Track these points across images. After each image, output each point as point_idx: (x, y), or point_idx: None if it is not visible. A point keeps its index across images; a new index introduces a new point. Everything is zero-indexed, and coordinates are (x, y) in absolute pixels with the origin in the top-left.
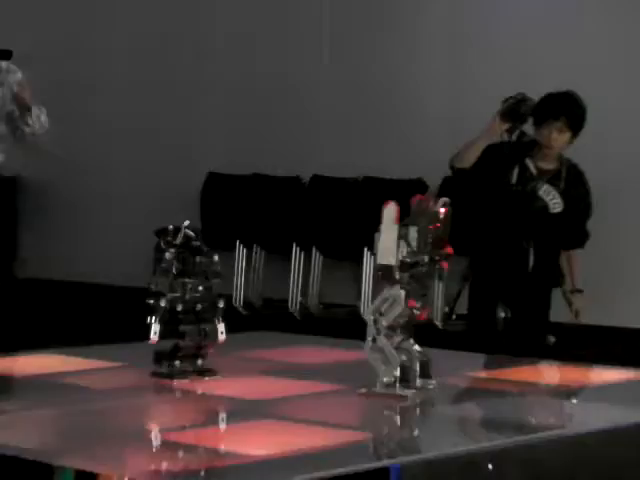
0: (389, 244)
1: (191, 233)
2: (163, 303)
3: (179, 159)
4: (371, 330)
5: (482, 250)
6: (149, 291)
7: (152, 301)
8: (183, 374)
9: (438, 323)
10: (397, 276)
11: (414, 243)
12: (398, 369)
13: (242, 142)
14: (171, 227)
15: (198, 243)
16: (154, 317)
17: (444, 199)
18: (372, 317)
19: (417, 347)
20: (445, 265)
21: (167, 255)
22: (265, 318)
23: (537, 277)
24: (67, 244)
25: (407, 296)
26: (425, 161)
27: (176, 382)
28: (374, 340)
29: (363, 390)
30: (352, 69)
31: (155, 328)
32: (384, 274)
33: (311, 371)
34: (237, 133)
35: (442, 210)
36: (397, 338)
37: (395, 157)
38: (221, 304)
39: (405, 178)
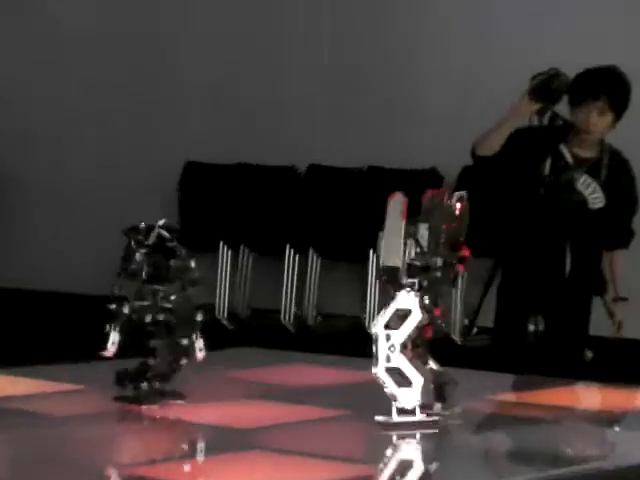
0: (394, 242)
1: (166, 234)
2: (126, 309)
3: (152, 146)
4: (383, 346)
5: (509, 252)
6: (111, 295)
7: (114, 306)
8: (152, 398)
9: (456, 338)
10: (404, 280)
11: (424, 243)
12: (420, 393)
13: (226, 126)
14: (143, 225)
15: (173, 244)
16: (113, 325)
17: (460, 193)
18: (384, 332)
19: (435, 365)
20: (461, 268)
21: (137, 256)
22: (253, 331)
23: (575, 283)
24: (18, 246)
25: (425, 305)
26: (440, 148)
27: (144, 407)
28: (388, 359)
29: (380, 418)
30: (354, 44)
31: (114, 338)
32: (389, 278)
33: (308, 394)
34: (220, 115)
35: (458, 206)
36: (411, 355)
37: (405, 143)
38: (199, 317)
39: (416, 168)
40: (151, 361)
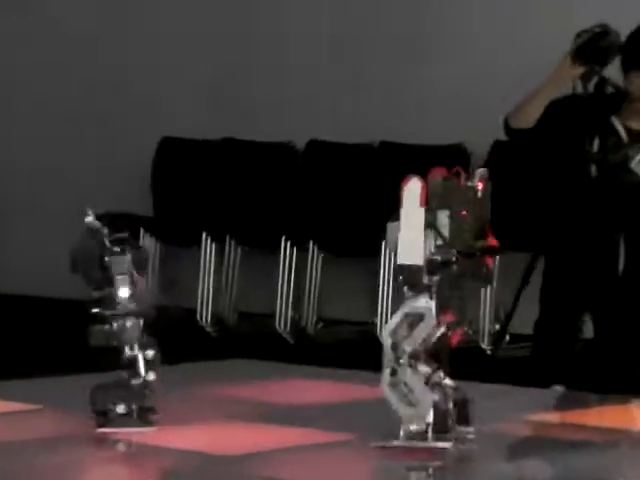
0: (414, 236)
1: (96, 223)
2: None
3: (122, 120)
4: (389, 358)
5: (551, 246)
6: (126, 312)
7: (130, 323)
8: (129, 419)
9: (486, 346)
10: (426, 280)
11: (447, 233)
12: (431, 413)
13: (209, 96)
14: (88, 219)
15: (125, 234)
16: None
17: (480, 170)
18: (390, 340)
19: (449, 381)
20: (490, 262)
21: (126, 259)
22: (242, 340)
23: (630, 282)
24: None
25: (440, 309)
26: (467, 120)
27: (118, 431)
28: (394, 373)
29: (380, 443)
30: (354, 42)
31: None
32: (408, 279)
33: (307, 414)
34: (202, 84)
35: (480, 186)
36: (425, 369)
37: (424, 115)
38: None
39: (438, 144)
40: (150, 376)
